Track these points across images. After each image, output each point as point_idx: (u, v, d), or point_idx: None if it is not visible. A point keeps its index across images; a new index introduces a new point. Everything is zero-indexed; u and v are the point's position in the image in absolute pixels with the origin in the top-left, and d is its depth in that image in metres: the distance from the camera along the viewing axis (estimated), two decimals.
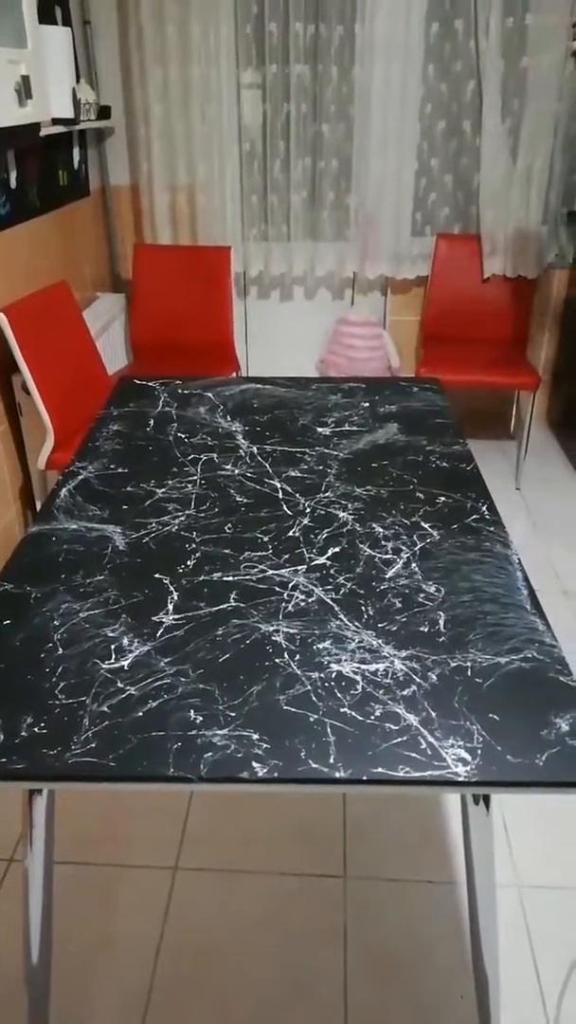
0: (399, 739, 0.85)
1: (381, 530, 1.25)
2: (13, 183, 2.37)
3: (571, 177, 3.06)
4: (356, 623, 1.03)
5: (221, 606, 1.07)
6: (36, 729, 0.87)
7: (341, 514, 1.30)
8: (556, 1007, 1.36)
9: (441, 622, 1.03)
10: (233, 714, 0.89)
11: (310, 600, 1.08)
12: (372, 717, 0.88)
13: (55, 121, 2.48)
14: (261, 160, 3.12)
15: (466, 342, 3.19)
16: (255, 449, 1.53)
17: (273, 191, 3.13)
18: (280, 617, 1.04)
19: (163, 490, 1.37)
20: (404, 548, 1.20)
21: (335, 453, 1.51)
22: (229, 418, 1.67)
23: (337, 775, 0.81)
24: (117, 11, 2.92)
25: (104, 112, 2.97)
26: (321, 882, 1.58)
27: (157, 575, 1.14)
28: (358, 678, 0.94)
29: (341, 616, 1.05)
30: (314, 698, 0.91)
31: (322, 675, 0.94)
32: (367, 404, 1.75)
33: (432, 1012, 1.36)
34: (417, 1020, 1.35)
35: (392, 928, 1.49)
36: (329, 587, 1.11)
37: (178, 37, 2.84)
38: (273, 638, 1.01)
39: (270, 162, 3.09)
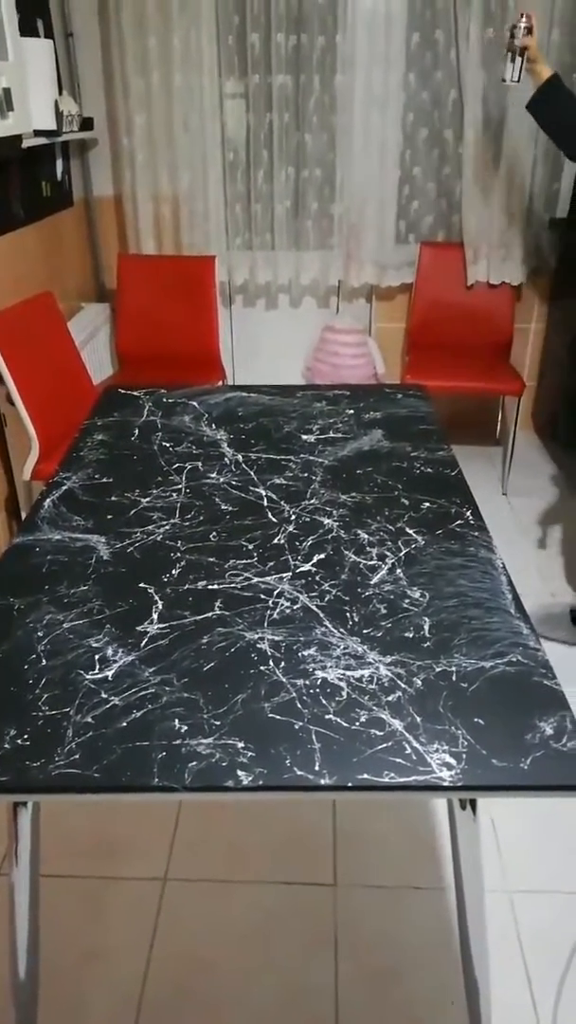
0: (384, 745, 0.85)
1: (366, 536, 1.25)
2: None
3: (552, 184, 3.09)
4: (341, 629, 1.03)
5: (206, 614, 1.07)
6: (19, 741, 0.86)
7: (326, 521, 1.30)
8: (552, 1016, 1.35)
9: (426, 627, 1.04)
10: (218, 722, 0.88)
11: (295, 607, 1.08)
12: (357, 723, 0.88)
13: (37, 133, 2.48)
14: (244, 169, 3.13)
15: (451, 348, 3.21)
16: (240, 457, 1.53)
17: (257, 200, 3.15)
18: (265, 625, 1.04)
19: (148, 499, 1.37)
20: (389, 554, 1.20)
21: (320, 460, 1.51)
22: (214, 426, 1.67)
23: (322, 782, 0.81)
24: (99, 23, 2.93)
25: (87, 123, 2.97)
26: (311, 891, 1.57)
27: (142, 584, 1.13)
28: (343, 684, 0.94)
29: (326, 623, 1.05)
30: (299, 705, 0.91)
31: (307, 682, 0.94)
32: (352, 411, 1.75)
33: (423, 1019, 1.35)
34: None
35: (383, 936, 1.49)
36: (314, 594, 1.11)
37: (160, 48, 2.85)
38: (258, 646, 1.00)
39: (254, 171, 3.10)
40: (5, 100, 2.05)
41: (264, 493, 1.39)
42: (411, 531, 1.26)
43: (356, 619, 1.05)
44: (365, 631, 1.03)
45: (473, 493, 1.39)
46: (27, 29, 2.53)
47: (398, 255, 3.23)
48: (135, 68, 2.89)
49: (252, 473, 1.46)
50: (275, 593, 1.11)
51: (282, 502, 1.36)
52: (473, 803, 1.02)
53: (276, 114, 2.98)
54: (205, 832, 1.70)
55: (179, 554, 1.21)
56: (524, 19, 2.13)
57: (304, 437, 1.62)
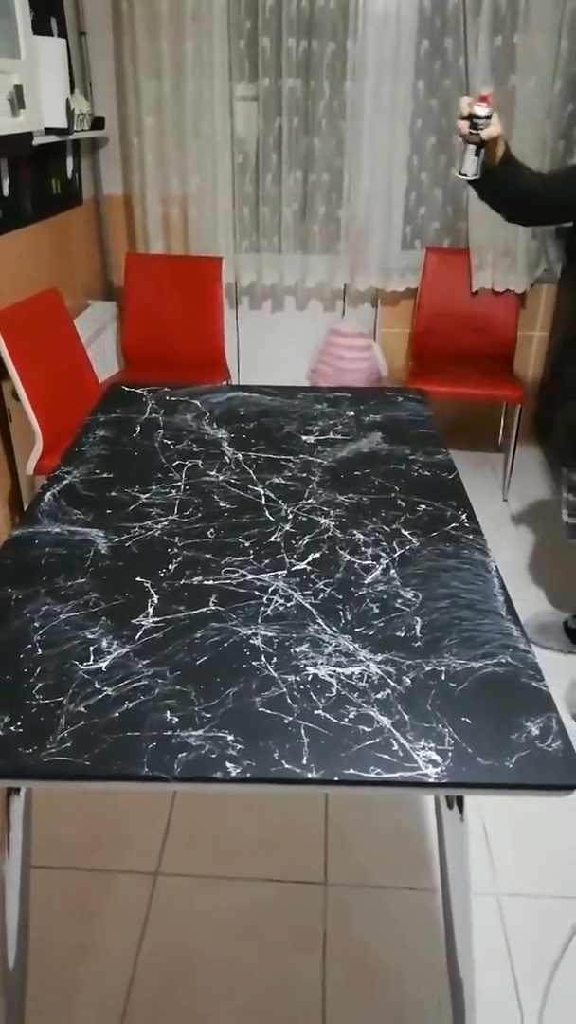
0: (372, 741, 0.86)
1: (361, 537, 1.26)
2: (6, 191, 2.39)
3: None
4: (333, 627, 1.04)
5: (200, 609, 1.08)
6: (13, 728, 0.88)
7: (323, 520, 1.31)
8: (538, 1019, 1.36)
9: (417, 627, 1.05)
10: (209, 715, 0.90)
11: (289, 604, 1.09)
12: (346, 719, 0.89)
13: (48, 131, 2.50)
14: (253, 173, 3.15)
15: (454, 355, 3.22)
16: (240, 456, 1.54)
17: (265, 203, 3.17)
18: (259, 621, 1.06)
19: (147, 495, 1.38)
20: (384, 554, 1.21)
21: (319, 461, 1.53)
22: (215, 425, 1.69)
23: (310, 776, 0.82)
24: (112, 24, 2.95)
25: (98, 123, 3.00)
26: (302, 889, 1.58)
27: (138, 579, 1.15)
28: (333, 681, 0.95)
29: (319, 620, 1.06)
30: (289, 700, 0.92)
31: (298, 678, 0.95)
32: (352, 413, 1.76)
33: (410, 1019, 1.36)
34: None
35: (371, 935, 1.50)
36: (308, 592, 1.12)
37: (172, 50, 2.88)
38: (251, 641, 1.02)
39: (262, 175, 3.12)
40: (17, 97, 2.07)
41: (262, 492, 1.40)
42: (406, 532, 1.28)
43: (349, 617, 1.06)
44: (357, 629, 1.04)
45: (473, 498, 1.40)
46: (40, 27, 2.55)
47: (404, 260, 3.24)
48: (147, 70, 2.91)
49: (251, 472, 1.48)
50: (270, 590, 1.12)
51: (280, 501, 1.37)
52: (460, 802, 1.03)
53: (286, 118, 3.00)
54: (198, 828, 1.71)
55: (176, 550, 1.22)
56: (482, 105, 1.67)
57: (304, 438, 1.63)
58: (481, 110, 1.67)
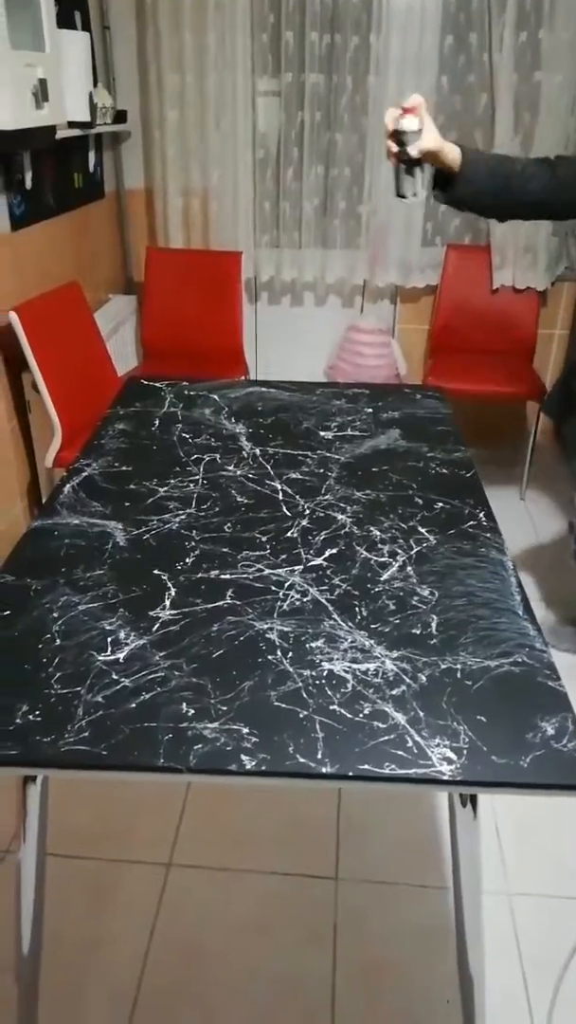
0: (386, 737, 0.86)
1: (378, 533, 1.26)
2: (29, 184, 2.40)
3: None
4: (349, 623, 1.05)
5: (217, 603, 1.08)
6: (31, 717, 0.88)
7: (339, 517, 1.31)
8: (548, 1017, 1.36)
9: (433, 625, 1.05)
10: (224, 708, 0.90)
11: (305, 600, 1.09)
12: (361, 715, 0.89)
13: (71, 124, 2.51)
14: (274, 167, 3.15)
15: (474, 352, 3.21)
16: (257, 451, 1.55)
17: (285, 198, 3.16)
18: (275, 615, 1.06)
19: (165, 489, 1.39)
20: (400, 551, 1.21)
21: (336, 457, 1.53)
22: (233, 420, 1.69)
23: (324, 770, 0.82)
24: (136, 18, 2.95)
25: (120, 116, 3.00)
26: (313, 883, 1.59)
27: (156, 571, 1.15)
28: (349, 677, 0.95)
29: (335, 616, 1.06)
30: (305, 695, 0.92)
31: (313, 673, 0.96)
32: (370, 410, 1.76)
33: (419, 1016, 1.36)
34: (403, 1023, 1.35)
35: (382, 932, 1.50)
36: (324, 587, 1.12)
37: (195, 44, 2.88)
38: (267, 636, 1.02)
39: (283, 169, 3.12)
40: (41, 91, 2.08)
41: (280, 487, 1.41)
42: (423, 530, 1.28)
43: (364, 614, 1.07)
44: (373, 626, 1.04)
45: (491, 497, 1.39)
46: (65, 21, 2.56)
47: (424, 257, 3.23)
48: (170, 64, 2.91)
49: (269, 467, 1.48)
50: (286, 585, 1.12)
51: (297, 496, 1.38)
52: (474, 801, 1.03)
53: (308, 113, 3.00)
54: (211, 820, 1.72)
55: (194, 543, 1.22)
56: (409, 116, 1.42)
57: (322, 434, 1.63)
58: (408, 124, 1.42)
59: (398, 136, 1.44)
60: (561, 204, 1.58)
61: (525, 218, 1.71)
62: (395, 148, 1.45)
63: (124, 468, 1.46)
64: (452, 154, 1.50)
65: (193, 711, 0.90)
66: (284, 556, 1.19)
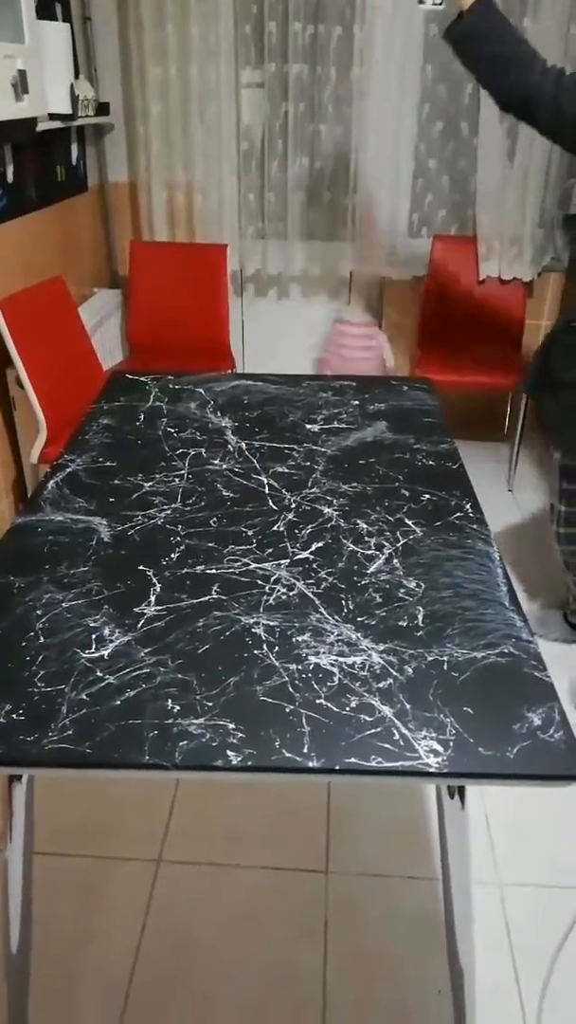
0: (373, 730, 0.86)
1: (365, 526, 1.26)
2: (10, 177, 2.38)
3: (567, 180, 3.07)
4: (336, 617, 1.04)
5: (203, 598, 1.08)
6: (15, 716, 0.88)
7: (326, 510, 1.31)
8: (538, 1007, 1.37)
9: (420, 617, 1.04)
10: (210, 704, 0.90)
11: (291, 593, 1.09)
12: (347, 708, 0.89)
13: (52, 116, 2.49)
14: (259, 159, 3.13)
15: (461, 343, 3.20)
16: (243, 444, 1.54)
17: (270, 190, 3.14)
18: (261, 610, 1.05)
19: (150, 483, 1.38)
20: (387, 544, 1.21)
21: (323, 450, 1.52)
22: (219, 413, 1.68)
23: (310, 764, 0.82)
24: (117, 8, 2.92)
25: (103, 108, 2.98)
26: (303, 877, 1.59)
27: (141, 567, 1.14)
28: (335, 670, 0.95)
29: (321, 609, 1.06)
30: (291, 689, 0.92)
31: (300, 667, 0.95)
32: (357, 402, 1.75)
33: (410, 1007, 1.37)
34: (394, 1015, 1.36)
35: (372, 924, 1.50)
36: (311, 581, 1.11)
37: (178, 35, 2.85)
38: (253, 630, 1.01)
39: (268, 161, 3.10)
40: (20, 83, 2.06)
41: (266, 481, 1.40)
42: (410, 522, 1.27)
43: (351, 607, 1.06)
44: (359, 619, 1.04)
45: (479, 488, 1.39)
46: (44, 12, 2.53)
47: (410, 248, 3.22)
48: (152, 55, 2.89)
49: (255, 461, 1.47)
50: (272, 579, 1.12)
51: (283, 490, 1.37)
52: (462, 793, 1.03)
53: (292, 104, 2.98)
54: (200, 816, 1.71)
55: (179, 538, 1.22)
56: None
57: (308, 426, 1.62)
58: None
59: None
60: (553, 109, 1.60)
61: (513, 98, 1.67)
62: None
63: (109, 463, 1.45)
64: None
65: (178, 707, 0.89)
66: (270, 550, 1.19)
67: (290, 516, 1.28)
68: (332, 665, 0.96)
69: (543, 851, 1.65)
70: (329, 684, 0.93)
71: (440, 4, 1.55)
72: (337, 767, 0.82)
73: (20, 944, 1.17)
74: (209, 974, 1.41)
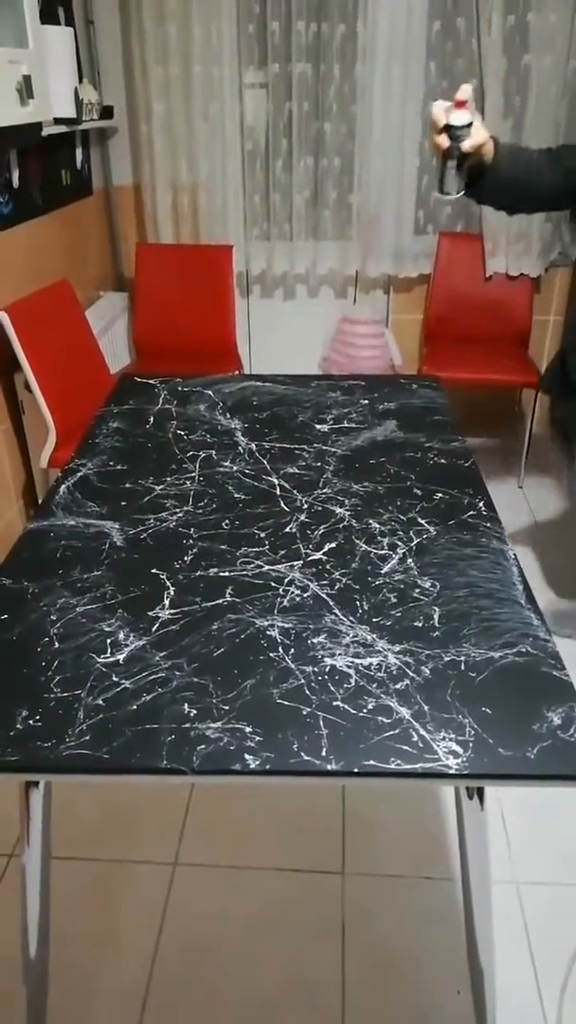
0: (391, 732, 0.85)
1: (377, 526, 1.25)
2: (15, 182, 2.38)
3: None
4: (351, 618, 1.04)
5: (217, 601, 1.07)
6: (31, 722, 0.87)
7: (338, 510, 1.30)
8: (558, 1006, 1.36)
9: (436, 617, 1.04)
10: (227, 707, 0.89)
11: (305, 595, 1.08)
12: (365, 710, 0.89)
13: (57, 121, 2.49)
14: (263, 159, 3.12)
15: (469, 340, 3.19)
16: (254, 446, 1.53)
17: (275, 190, 3.14)
18: (275, 612, 1.05)
19: (161, 487, 1.38)
20: (400, 544, 1.20)
21: (333, 450, 1.52)
22: (228, 415, 1.68)
23: (329, 767, 0.82)
24: (120, 11, 2.92)
25: (107, 112, 2.98)
26: (320, 878, 1.58)
27: (154, 571, 1.14)
28: (351, 672, 0.94)
29: (336, 611, 1.05)
30: (307, 692, 0.91)
31: (315, 669, 0.95)
32: (366, 401, 1.75)
33: (429, 1008, 1.36)
34: (414, 1016, 1.35)
35: (390, 924, 1.50)
36: (324, 582, 1.11)
37: (180, 36, 2.85)
38: (268, 633, 1.01)
39: (272, 161, 3.10)
40: (25, 87, 2.06)
41: (277, 482, 1.40)
42: (423, 521, 1.26)
43: (366, 608, 1.06)
44: (375, 620, 1.03)
45: (489, 485, 1.38)
46: (48, 17, 2.54)
47: (416, 246, 3.21)
48: (155, 57, 2.89)
49: (265, 462, 1.47)
50: (286, 581, 1.11)
51: (295, 491, 1.36)
52: (480, 793, 1.02)
53: (296, 103, 2.97)
54: (215, 819, 1.71)
55: (191, 541, 1.21)
56: (460, 112, 1.39)
57: (318, 427, 1.62)
58: (459, 119, 1.39)
59: (450, 131, 1.40)
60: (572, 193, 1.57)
61: (539, 209, 1.67)
62: (446, 143, 1.42)
63: (119, 467, 1.45)
64: (489, 145, 1.47)
65: (195, 711, 0.89)
66: (283, 552, 1.18)
67: (302, 517, 1.28)
68: (348, 667, 0.95)
69: (559, 849, 1.64)
70: (346, 686, 0.92)
71: (462, 190, 1.51)
72: (356, 770, 0.81)
73: (38, 948, 1.17)
74: (227, 977, 1.41)
